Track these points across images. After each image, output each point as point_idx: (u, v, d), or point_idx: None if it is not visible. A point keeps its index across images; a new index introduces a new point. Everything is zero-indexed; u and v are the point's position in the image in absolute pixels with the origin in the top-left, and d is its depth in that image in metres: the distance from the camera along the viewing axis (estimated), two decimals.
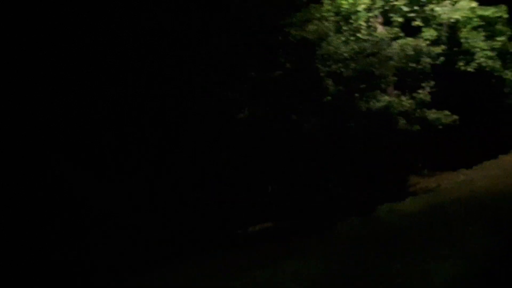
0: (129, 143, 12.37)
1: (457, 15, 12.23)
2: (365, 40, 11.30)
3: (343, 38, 11.22)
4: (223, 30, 12.06)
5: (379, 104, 11.14)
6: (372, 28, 11.76)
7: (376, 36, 11.34)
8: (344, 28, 11.43)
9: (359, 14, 11.42)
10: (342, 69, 11.08)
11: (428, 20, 12.38)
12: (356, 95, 11.43)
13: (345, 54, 11.06)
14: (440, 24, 12.53)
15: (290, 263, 7.88)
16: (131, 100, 11.97)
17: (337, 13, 11.45)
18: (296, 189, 12.96)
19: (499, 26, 12.81)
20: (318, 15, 11.30)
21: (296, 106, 11.89)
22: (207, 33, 12.27)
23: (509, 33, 12.54)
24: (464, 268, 5.84)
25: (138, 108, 11.90)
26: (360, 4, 11.32)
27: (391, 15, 12.22)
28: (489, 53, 12.65)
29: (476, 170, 11.83)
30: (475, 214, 8.04)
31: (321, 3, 11.30)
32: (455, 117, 11.30)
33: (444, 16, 12.17)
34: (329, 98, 11.33)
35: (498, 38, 12.83)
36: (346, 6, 11.37)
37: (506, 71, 12.80)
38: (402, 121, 11.09)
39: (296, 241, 9.95)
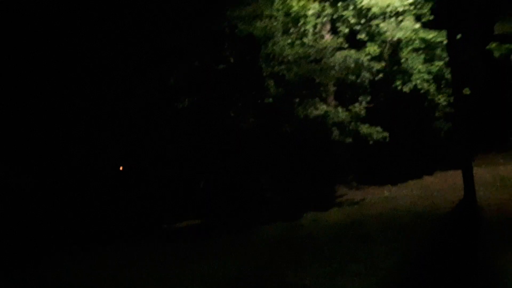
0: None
1: (400, 34, 12.49)
2: (310, 46, 11.22)
3: (289, 41, 11.07)
4: (168, 13, 11.51)
5: (316, 112, 11.10)
6: (318, 35, 11.71)
7: (321, 44, 11.30)
8: (292, 30, 11.27)
9: (308, 18, 11.29)
10: (285, 72, 10.94)
11: (373, 36, 12.54)
12: (296, 100, 11.35)
13: (290, 57, 10.92)
14: (384, 41, 12.75)
15: (204, 263, 7.71)
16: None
17: (286, 14, 11.25)
18: (228, 188, 12.73)
19: (438, 51, 13.23)
20: (267, 13, 11.07)
21: (236, 102, 11.60)
22: (152, 16, 11.69)
23: (446, 58, 12.98)
24: (371, 287, 5.85)
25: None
26: (310, 9, 11.19)
27: (339, 24, 12.24)
28: (426, 76, 13.02)
29: (401, 188, 12.27)
30: (392, 232, 8.24)
31: (272, 1, 11.05)
32: (386, 134, 11.53)
33: (388, 34, 12.39)
34: (270, 100, 11.15)
35: (436, 63, 13.24)
36: (296, 9, 11.19)
37: (439, 96, 13.24)
38: (336, 132, 11.14)
39: (217, 241, 9.80)
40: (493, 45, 15.85)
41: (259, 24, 10.78)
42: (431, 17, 13.36)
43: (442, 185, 11.92)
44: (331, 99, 12.15)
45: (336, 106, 11.77)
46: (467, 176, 9.63)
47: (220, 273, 7.19)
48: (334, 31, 12.47)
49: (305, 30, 11.33)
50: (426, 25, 13.34)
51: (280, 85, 10.89)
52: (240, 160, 11.83)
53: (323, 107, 11.13)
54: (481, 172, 12.16)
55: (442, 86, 13.39)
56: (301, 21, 11.28)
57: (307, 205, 11.07)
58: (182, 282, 6.99)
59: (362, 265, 6.44)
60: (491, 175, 12.51)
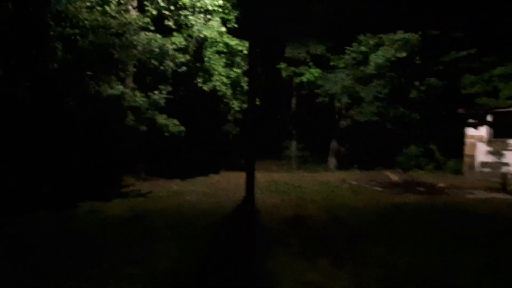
0: None
1: (207, 33, 12.51)
2: (112, 17, 9.93)
3: (88, 3, 9.51)
4: None
5: (111, 91, 9.83)
6: (123, 8, 10.52)
7: (126, 18, 10.16)
8: None
9: None
10: (78, 37, 9.30)
11: (181, 26, 12.16)
12: (88, 73, 9.79)
13: (86, 22, 9.36)
14: (191, 36, 12.54)
15: None
16: None
17: None
18: None
19: (238, 59, 13.87)
20: None
21: (7, 61, 9.20)
22: None
23: (245, 67, 13.69)
24: None
25: None
26: None
27: (147, 3, 11.36)
28: (225, 80, 13.44)
29: (189, 183, 12.08)
30: (175, 229, 7.75)
31: None
32: (182, 128, 11.19)
33: (196, 29, 12.24)
34: (55, 65, 9.24)
35: (235, 69, 13.85)
36: None
37: (234, 101, 13.86)
38: (131, 117, 10.10)
39: None
40: (282, 65, 17.98)
41: None
42: (236, 25, 13.98)
43: (226, 184, 12.31)
44: (129, 81, 11.04)
45: (134, 90, 10.74)
46: (249, 179, 10.01)
47: None
48: (141, 9, 11.49)
49: None
50: (231, 32, 13.85)
51: (70, 51, 9.18)
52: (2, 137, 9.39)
53: (119, 87, 9.94)
54: (259, 177, 13.11)
55: (237, 92, 14.10)
56: None
57: (86, 194, 9.54)
58: None
59: (138, 266, 5.70)
60: (266, 179, 13.73)
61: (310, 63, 17.26)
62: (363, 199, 10.82)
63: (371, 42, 16.74)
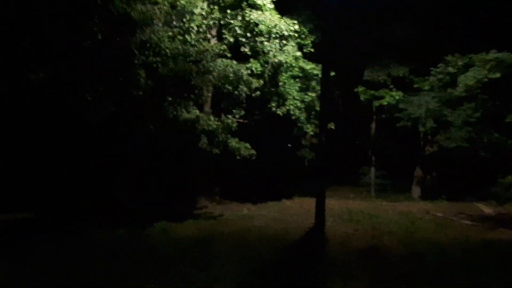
0: None
1: (282, 58, 12.66)
2: (192, 45, 10.46)
3: (170, 33, 10.13)
4: None
5: (187, 116, 10.29)
6: (202, 36, 11.06)
7: (204, 46, 10.64)
8: (175, 23, 10.40)
9: (194, 16, 10.58)
10: (159, 65, 9.92)
11: (257, 53, 12.47)
12: (168, 98, 10.38)
13: (167, 51, 9.96)
14: (267, 62, 12.77)
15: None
16: None
17: (172, 6, 10.36)
18: (71, 183, 10.96)
19: (313, 83, 13.80)
20: None
21: (97, 85, 10.02)
22: None
23: (319, 91, 13.52)
24: None
25: None
26: (197, 6, 10.52)
27: (225, 32, 11.85)
28: (299, 104, 13.41)
29: (260, 207, 12.19)
30: (238, 255, 7.70)
31: None
32: (253, 151, 11.34)
33: (271, 55, 12.46)
34: (139, 92, 9.95)
35: (310, 93, 13.77)
36: (184, 2, 10.41)
37: (308, 125, 13.73)
38: (204, 140, 10.47)
39: (46, 240, 8.25)
40: (360, 89, 17.49)
41: (139, 6, 9.64)
42: (312, 50, 13.96)
43: (298, 210, 12.14)
44: (206, 106, 11.54)
45: (209, 114, 11.16)
46: (319, 207, 9.65)
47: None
48: (219, 37, 12.02)
49: (189, 28, 10.55)
50: (306, 56, 13.85)
51: (151, 78, 9.81)
52: (91, 154, 10.24)
53: (195, 112, 10.37)
54: (333, 204, 12.70)
55: (311, 116, 13.94)
56: (187, 17, 10.50)
57: (161, 213, 10.01)
58: None
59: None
60: (340, 207, 13.19)
61: (391, 86, 16.53)
62: (448, 233, 9.91)
63: (460, 62, 15.51)
